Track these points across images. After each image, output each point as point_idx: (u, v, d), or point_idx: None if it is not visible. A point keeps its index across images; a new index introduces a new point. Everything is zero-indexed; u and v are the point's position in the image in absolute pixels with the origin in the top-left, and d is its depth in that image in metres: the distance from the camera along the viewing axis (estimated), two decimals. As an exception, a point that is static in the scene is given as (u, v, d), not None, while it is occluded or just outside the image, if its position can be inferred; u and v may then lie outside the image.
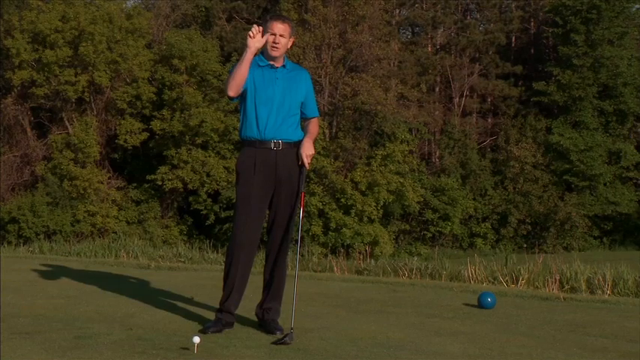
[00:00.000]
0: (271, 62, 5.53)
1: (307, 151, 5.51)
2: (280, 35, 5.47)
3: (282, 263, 5.65)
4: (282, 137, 5.50)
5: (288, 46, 5.56)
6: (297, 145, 5.56)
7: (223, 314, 5.55)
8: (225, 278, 5.59)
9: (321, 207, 36.92)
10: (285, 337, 5.20)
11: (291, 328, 5.26)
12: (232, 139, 36.82)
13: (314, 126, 5.70)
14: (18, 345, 4.98)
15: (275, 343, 5.18)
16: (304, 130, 5.67)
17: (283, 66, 5.56)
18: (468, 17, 48.75)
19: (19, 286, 7.60)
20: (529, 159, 41.78)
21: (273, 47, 5.47)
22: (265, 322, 5.58)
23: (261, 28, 5.45)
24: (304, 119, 5.69)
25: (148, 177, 37.94)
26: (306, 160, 5.50)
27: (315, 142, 5.72)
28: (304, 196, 5.64)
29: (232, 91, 5.43)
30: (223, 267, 5.73)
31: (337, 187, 37.13)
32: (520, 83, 45.88)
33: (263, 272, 5.76)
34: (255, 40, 5.41)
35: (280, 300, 5.67)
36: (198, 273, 9.41)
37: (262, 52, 5.57)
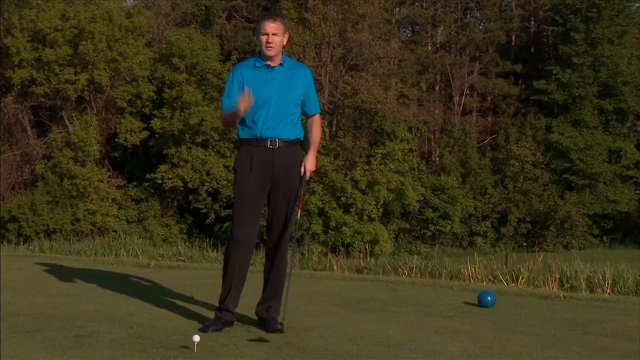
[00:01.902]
0: (268, 62, 5.52)
1: (310, 166, 5.58)
2: (273, 34, 5.44)
3: (282, 261, 5.65)
4: (279, 136, 5.50)
5: (284, 43, 5.54)
6: (295, 143, 5.57)
7: (223, 313, 5.55)
8: (223, 276, 5.60)
9: (321, 206, 36.92)
10: (275, 325, 5.35)
11: (281, 322, 5.32)
12: (232, 137, 36.77)
13: (317, 130, 5.69)
14: (18, 344, 4.98)
15: (268, 330, 5.31)
16: (308, 133, 5.68)
17: (281, 64, 5.54)
18: (468, 16, 48.78)
19: (19, 284, 7.60)
20: (529, 158, 41.79)
21: (268, 47, 5.46)
22: (265, 320, 5.58)
23: (251, 93, 5.34)
24: (305, 117, 5.69)
25: (148, 176, 37.94)
26: (308, 174, 5.57)
27: (318, 146, 5.74)
28: (302, 199, 5.65)
29: (226, 129, 5.66)
30: (222, 265, 5.74)
31: (337, 185, 37.12)
32: (520, 82, 45.87)
33: (263, 271, 5.77)
34: (245, 107, 5.32)
35: (280, 298, 5.67)
36: (198, 272, 9.41)
37: (259, 52, 5.57)
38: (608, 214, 41.49)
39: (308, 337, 5.33)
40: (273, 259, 5.63)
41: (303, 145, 5.66)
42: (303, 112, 5.67)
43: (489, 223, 41.84)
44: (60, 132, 38.07)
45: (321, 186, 37.19)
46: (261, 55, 5.54)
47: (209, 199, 37.58)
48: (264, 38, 5.45)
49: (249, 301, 5.82)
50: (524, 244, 39.42)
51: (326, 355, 4.90)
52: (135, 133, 37.98)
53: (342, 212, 36.91)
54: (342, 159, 38.68)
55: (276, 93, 5.48)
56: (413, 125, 41.25)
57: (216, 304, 5.66)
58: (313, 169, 5.59)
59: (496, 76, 45.61)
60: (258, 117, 5.47)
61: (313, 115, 5.69)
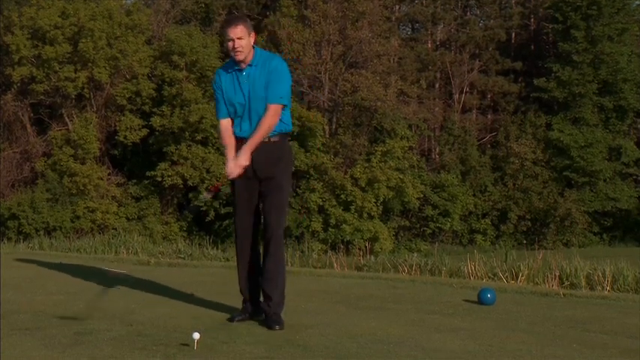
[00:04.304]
0: (238, 66, 5.62)
1: (240, 161, 5.49)
2: (238, 39, 5.52)
3: (277, 253, 5.68)
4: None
5: (252, 43, 5.61)
6: (274, 139, 5.60)
7: (247, 304, 5.78)
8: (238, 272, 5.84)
9: (321, 203, 36.93)
10: (277, 321, 5.47)
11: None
12: (232, 135, 36.77)
13: (264, 121, 5.54)
14: (18, 341, 4.98)
15: None
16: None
17: (250, 65, 5.61)
18: (468, 13, 48.79)
19: (19, 282, 7.59)
20: (529, 155, 41.79)
21: (236, 52, 5.55)
22: (267, 315, 5.61)
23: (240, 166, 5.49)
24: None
25: (148, 173, 37.94)
26: (235, 172, 5.50)
27: (256, 144, 5.51)
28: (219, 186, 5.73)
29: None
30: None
31: (337, 183, 37.13)
32: (520, 79, 45.88)
33: (262, 266, 5.79)
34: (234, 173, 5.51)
35: (281, 292, 5.67)
36: (198, 269, 9.40)
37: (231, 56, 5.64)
38: (608, 211, 41.48)
39: (308, 335, 5.33)
40: (268, 251, 5.67)
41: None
42: None
43: (489, 221, 41.84)
44: (60, 130, 38.06)
45: (321, 184, 37.20)
46: (232, 59, 5.64)
47: (209, 196, 37.53)
48: (230, 44, 5.56)
49: (249, 298, 5.82)
50: (524, 242, 39.45)
51: (326, 352, 4.90)
52: (135, 130, 37.97)
53: (342, 210, 36.92)
54: (342, 157, 38.69)
55: (247, 97, 5.60)
56: (413, 123, 41.26)
57: (217, 301, 5.73)
58: (242, 164, 5.50)
59: (496, 74, 45.61)
60: (236, 119, 5.64)
61: (270, 104, 5.57)
